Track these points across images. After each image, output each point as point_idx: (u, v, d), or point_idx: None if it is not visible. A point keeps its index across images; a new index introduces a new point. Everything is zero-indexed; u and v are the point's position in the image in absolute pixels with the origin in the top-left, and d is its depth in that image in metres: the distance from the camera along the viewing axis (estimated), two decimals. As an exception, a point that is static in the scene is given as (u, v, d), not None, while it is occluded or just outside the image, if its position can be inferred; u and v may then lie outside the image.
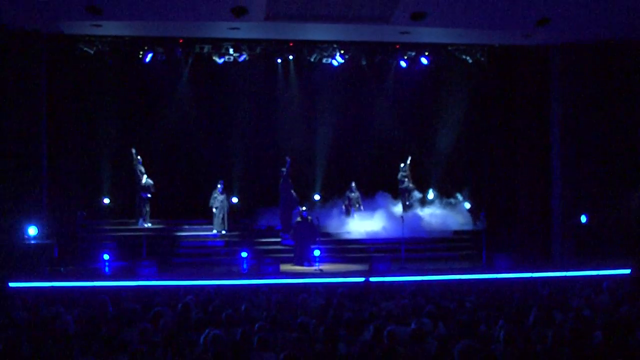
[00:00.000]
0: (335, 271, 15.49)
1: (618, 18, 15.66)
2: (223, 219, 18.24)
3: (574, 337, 7.08)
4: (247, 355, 6.67)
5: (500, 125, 18.81)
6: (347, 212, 19.36)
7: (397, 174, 19.92)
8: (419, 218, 18.82)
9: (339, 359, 6.67)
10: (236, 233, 18.31)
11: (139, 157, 18.33)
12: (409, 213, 18.82)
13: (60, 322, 7.97)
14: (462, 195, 19.84)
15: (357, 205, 19.62)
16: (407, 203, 19.55)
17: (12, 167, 15.69)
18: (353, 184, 19.73)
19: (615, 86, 17.62)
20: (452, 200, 19.77)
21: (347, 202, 19.50)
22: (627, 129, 17.71)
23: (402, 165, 19.84)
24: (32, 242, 15.35)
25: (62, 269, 15.41)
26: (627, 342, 6.98)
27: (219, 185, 18.26)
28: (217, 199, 18.22)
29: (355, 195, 19.68)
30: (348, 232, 18.61)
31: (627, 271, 14.90)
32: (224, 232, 18.20)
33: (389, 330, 7.13)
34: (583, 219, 16.92)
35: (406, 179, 19.75)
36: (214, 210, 18.24)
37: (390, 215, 18.77)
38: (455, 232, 18.73)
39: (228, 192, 18.79)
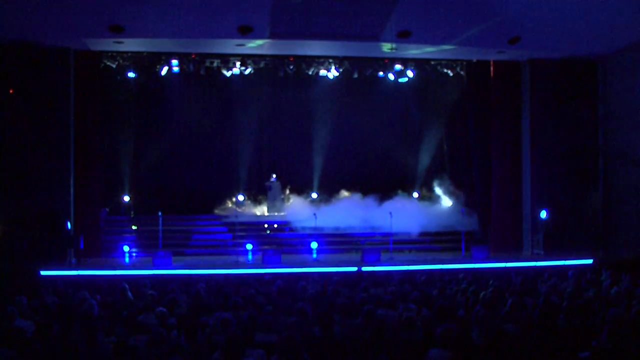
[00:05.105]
0: (331, 261, 15.49)
1: (577, 39, 15.95)
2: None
3: (542, 320, 7.13)
4: (253, 335, 6.69)
5: (477, 132, 18.80)
6: None
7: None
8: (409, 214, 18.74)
9: (334, 340, 6.69)
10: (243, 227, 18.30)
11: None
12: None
13: (86, 305, 7.99)
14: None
15: None
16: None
17: (44, 170, 15.62)
18: None
19: (575, 96, 17.70)
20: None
21: None
22: (587, 134, 17.77)
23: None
24: (62, 235, 15.34)
25: (87, 259, 15.39)
26: (588, 323, 7.03)
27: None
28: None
29: None
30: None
31: (590, 261, 14.94)
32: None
33: (379, 314, 7.16)
34: (543, 214, 16.90)
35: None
36: None
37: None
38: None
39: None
